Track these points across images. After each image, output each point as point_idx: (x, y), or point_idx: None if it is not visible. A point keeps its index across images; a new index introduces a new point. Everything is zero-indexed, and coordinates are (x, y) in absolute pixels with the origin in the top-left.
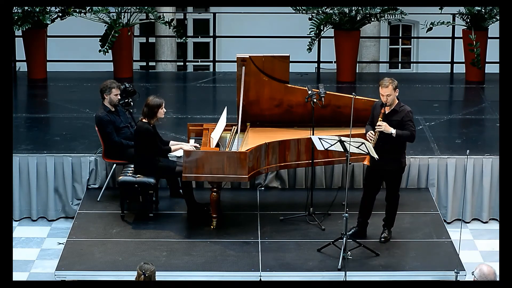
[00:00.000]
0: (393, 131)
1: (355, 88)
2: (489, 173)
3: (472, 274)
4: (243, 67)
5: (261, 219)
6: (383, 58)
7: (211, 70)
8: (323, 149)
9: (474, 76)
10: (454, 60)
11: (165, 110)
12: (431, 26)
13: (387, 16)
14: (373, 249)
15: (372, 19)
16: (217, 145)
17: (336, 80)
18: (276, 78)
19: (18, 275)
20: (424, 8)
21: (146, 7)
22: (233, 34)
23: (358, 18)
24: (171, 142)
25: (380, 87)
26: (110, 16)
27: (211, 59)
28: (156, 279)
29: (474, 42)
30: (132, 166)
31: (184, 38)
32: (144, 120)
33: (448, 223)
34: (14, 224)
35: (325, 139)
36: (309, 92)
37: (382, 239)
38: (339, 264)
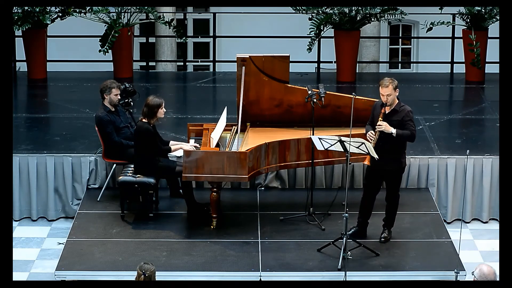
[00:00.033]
0: (393, 130)
1: (355, 88)
2: (489, 173)
3: (472, 274)
4: (243, 67)
5: (261, 219)
6: (383, 58)
7: (211, 70)
8: (323, 149)
9: (474, 76)
10: (454, 60)
11: (165, 110)
12: (431, 26)
13: (387, 16)
14: (373, 249)
15: (372, 19)
16: (217, 145)
17: (336, 80)
18: (276, 78)
19: (18, 275)
20: (424, 8)
21: (146, 7)
22: (233, 34)
23: (358, 18)
24: (171, 142)
25: (380, 87)
26: (110, 16)
27: (211, 59)
28: (156, 279)
29: (474, 42)
30: (132, 166)
31: (184, 38)
32: (144, 120)
33: (448, 223)
34: (14, 224)
35: (325, 139)
36: (309, 92)
37: (382, 239)
38: (339, 264)
